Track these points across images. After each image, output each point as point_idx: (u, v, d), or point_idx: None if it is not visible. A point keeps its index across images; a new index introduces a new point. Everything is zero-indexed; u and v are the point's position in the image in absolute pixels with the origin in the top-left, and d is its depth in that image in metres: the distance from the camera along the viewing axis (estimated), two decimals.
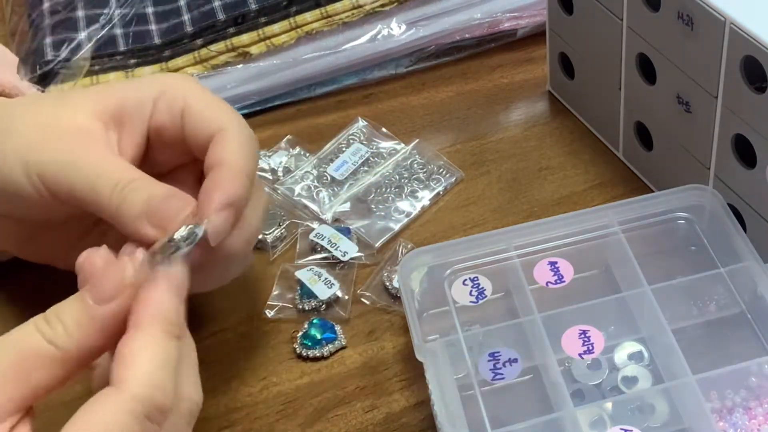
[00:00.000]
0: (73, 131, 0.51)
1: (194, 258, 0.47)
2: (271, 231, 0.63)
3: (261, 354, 0.57)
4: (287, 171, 0.67)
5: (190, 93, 0.53)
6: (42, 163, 0.50)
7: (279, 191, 0.66)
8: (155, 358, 0.43)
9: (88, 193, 0.49)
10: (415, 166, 0.67)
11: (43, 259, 0.58)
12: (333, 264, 0.61)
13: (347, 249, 0.61)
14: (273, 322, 0.59)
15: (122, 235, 0.49)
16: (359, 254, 0.61)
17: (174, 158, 0.55)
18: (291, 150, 0.69)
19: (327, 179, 0.67)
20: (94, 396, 0.42)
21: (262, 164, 0.68)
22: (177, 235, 0.47)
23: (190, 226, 0.47)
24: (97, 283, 0.44)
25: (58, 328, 0.43)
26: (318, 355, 0.57)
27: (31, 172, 0.50)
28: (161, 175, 0.53)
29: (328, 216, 0.64)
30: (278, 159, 0.68)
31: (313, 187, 0.66)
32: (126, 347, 0.43)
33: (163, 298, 0.44)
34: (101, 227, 0.55)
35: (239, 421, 0.54)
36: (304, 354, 0.57)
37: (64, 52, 0.71)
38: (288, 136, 0.70)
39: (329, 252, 0.61)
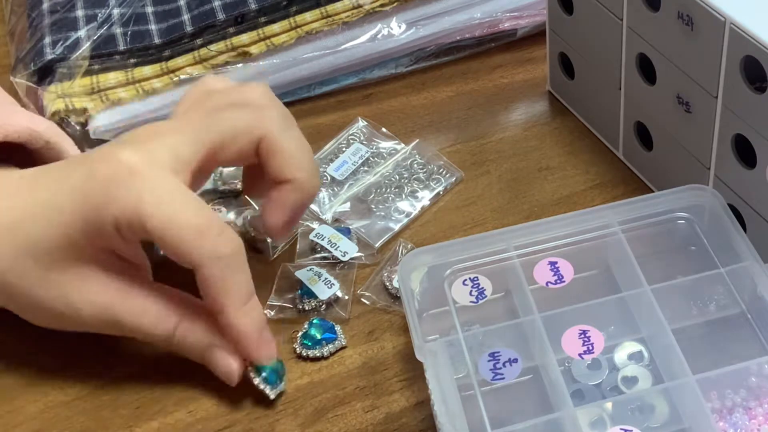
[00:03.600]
0: (168, 179, 0.53)
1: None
2: None
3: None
4: None
5: (262, 121, 0.56)
6: (144, 208, 0.51)
7: None
8: None
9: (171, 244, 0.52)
10: (415, 166, 0.67)
11: None
12: (333, 264, 0.61)
13: (347, 249, 0.61)
14: (273, 322, 0.59)
15: None
16: (359, 254, 0.61)
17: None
18: None
19: (327, 179, 0.67)
20: None
21: None
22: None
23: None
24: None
25: None
26: (318, 355, 0.57)
27: None
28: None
29: (328, 216, 0.64)
30: None
31: None
32: None
33: None
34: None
35: (239, 421, 0.54)
36: (304, 354, 0.57)
37: (60, 49, 0.71)
38: None
39: (329, 252, 0.61)
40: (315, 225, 0.63)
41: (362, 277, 0.61)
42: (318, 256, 0.62)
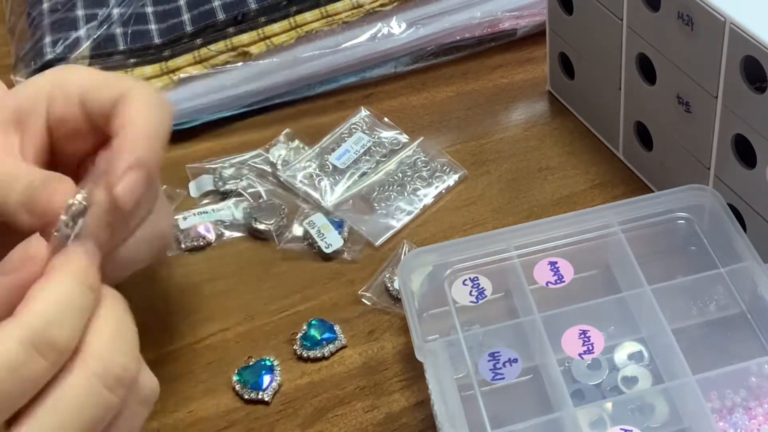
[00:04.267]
0: None
1: (103, 228, 0.46)
2: (272, 221, 0.63)
3: (261, 354, 0.57)
4: (286, 164, 0.68)
5: (82, 76, 0.52)
6: None
7: (281, 179, 0.67)
8: (58, 298, 0.42)
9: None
10: (419, 163, 0.67)
11: None
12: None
13: (332, 242, 0.62)
14: (273, 323, 0.59)
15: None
16: (343, 249, 0.62)
17: (83, 147, 0.52)
18: (290, 143, 0.69)
19: (329, 168, 0.67)
20: None
21: (262, 159, 0.68)
22: (63, 217, 0.45)
23: (73, 201, 0.45)
24: (6, 260, 0.43)
25: None
26: (318, 355, 0.57)
27: None
28: (73, 170, 0.51)
29: (329, 205, 0.64)
30: (277, 152, 0.68)
31: (314, 175, 0.66)
32: (31, 290, 0.42)
33: (73, 254, 0.43)
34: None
35: (239, 421, 0.54)
36: (305, 355, 0.57)
37: (60, 48, 0.71)
38: (287, 130, 0.70)
39: (315, 241, 0.62)
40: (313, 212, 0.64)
41: (363, 278, 0.61)
42: (303, 244, 0.63)
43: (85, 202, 0.45)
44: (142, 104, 0.49)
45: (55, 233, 0.44)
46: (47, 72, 0.53)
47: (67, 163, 0.52)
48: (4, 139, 0.50)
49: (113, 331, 0.44)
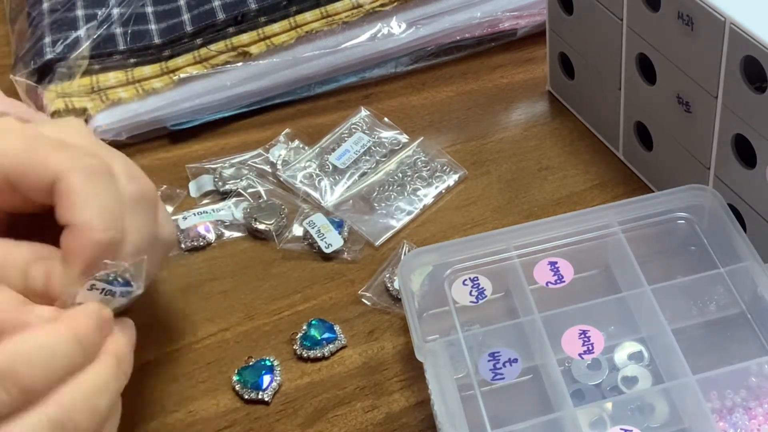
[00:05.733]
0: None
1: None
2: (272, 221, 0.63)
3: (261, 354, 0.57)
4: (286, 164, 0.68)
5: (7, 149, 0.47)
6: None
7: (281, 179, 0.67)
8: (38, 341, 0.43)
9: None
10: (419, 163, 0.67)
11: None
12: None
13: (332, 242, 0.62)
14: (273, 323, 0.59)
15: None
16: (343, 248, 0.62)
17: (22, 207, 0.49)
18: (290, 143, 0.69)
19: (329, 168, 0.67)
20: None
21: (262, 159, 0.68)
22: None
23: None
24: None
25: None
26: (318, 355, 0.57)
27: None
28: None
29: (329, 205, 0.64)
30: (277, 152, 0.68)
31: (314, 175, 0.66)
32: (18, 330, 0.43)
33: (79, 310, 0.46)
34: None
35: (239, 421, 0.54)
36: (305, 355, 0.57)
37: (60, 48, 0.71)
38: (287, 130, 0.70)
39: (315, 241, 0.62)
40: (313, 212, 0.64)
41: (363, 278, 0.61)
42: (303, 244, 0.63)
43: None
44: (82, 191, 0.47)
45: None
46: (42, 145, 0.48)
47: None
48: None
49: (89, 390, 0.44)
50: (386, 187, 0.66)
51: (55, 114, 0.69)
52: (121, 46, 0.73)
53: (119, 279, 0.47)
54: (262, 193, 0.66)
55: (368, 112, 0.71)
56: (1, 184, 0.47)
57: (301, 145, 0.69)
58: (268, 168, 0.68)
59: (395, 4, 0.73)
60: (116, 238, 0.47)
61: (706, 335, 0.54)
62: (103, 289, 0.47)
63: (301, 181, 0.66)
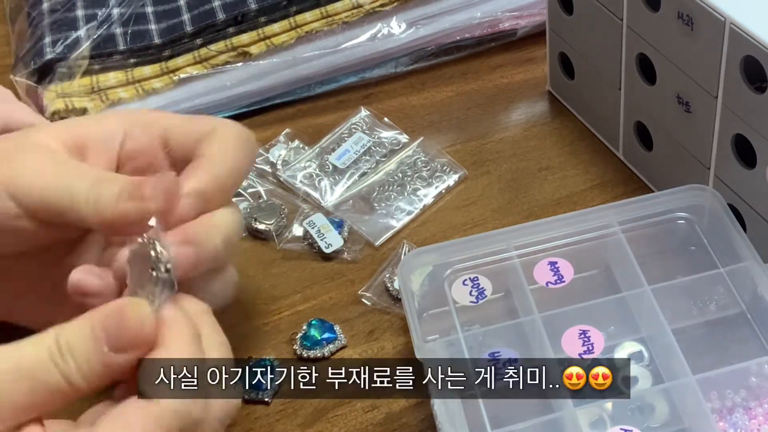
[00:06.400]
0: (41, 146, 0.49)
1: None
2: (272, 221, 0.63)
3: (261, 354, 0.57)
4: (286, 164, 0.68)
5: (165, 115, 0.52)
6: (11, 176, 0.47)
7: (281, 179, 0.67)
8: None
9: (63, 198, 0.47)
10: (419, 163, 0.67)
11: None
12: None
13: (332, 242, 0.62)
14: (273, 323, 0.59)
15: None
16: (343, 248, 0.62)
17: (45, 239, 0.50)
18: (290, 143, 0.69)
19: (329, 168, 0.67)
20: (121, 405, 0.41)
21: (262, 159, 0.68)
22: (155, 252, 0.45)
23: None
24: (114, 330, 0.42)
25: (71, 364, 0.41)
26: (318, 355, 0.57)
27: None
28: None
29: (329, 204, 0.64)
30: (277, 152, 0.68)
31: (314, 175, 0.67)
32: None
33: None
34: (63, 270, 0.50)
35: (239, 421, 0.54)
36: (305, 355, 0.57)
37: (60, 48, 0.71)
38: (287, 130, 0.70)
39: (315, 241, 0.62)
40: (313, 212, 0.64)
41: (363, 278, 0.61)
42: (303, 244, 0.63)
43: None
44: (226, 142, 0.51)
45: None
46: (123, 111, 0.53)
47: None
48: (68, 154, 0.50)
49: None
50: (386, 187, 0.66)
51: (55, 114, 0.68)
52: (121, 46, 0.73)
53: (164, 266, 0.45)
54: (262, 193, 0.66)
55: (368, 112, 0.71)
56: (155, 138, 0.51)
57: (301, 145, 0.69)
58: (268, 168, 0.68)
59: (395, 4, 0.73)
60: (228, 199, 0.50)
61: (706, 335, 0.54)
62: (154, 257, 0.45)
63: (301, 181, 0.66)
